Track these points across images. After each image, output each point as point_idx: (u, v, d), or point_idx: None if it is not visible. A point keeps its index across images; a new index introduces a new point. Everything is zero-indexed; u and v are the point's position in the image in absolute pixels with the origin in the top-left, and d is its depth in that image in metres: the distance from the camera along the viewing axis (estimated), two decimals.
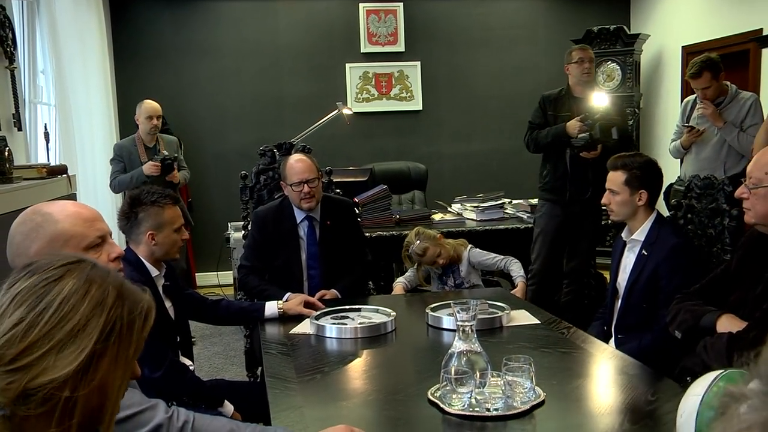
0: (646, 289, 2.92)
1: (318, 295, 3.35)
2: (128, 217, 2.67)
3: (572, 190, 4.54)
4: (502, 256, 3.79)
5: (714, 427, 0.63)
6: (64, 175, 4.09)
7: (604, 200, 3.10)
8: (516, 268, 3.74)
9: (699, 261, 3.01)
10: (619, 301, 3.07)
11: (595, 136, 4.39)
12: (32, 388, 1.05)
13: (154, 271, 2.67)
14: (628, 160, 3.02)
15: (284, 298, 3.24)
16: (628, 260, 3.06)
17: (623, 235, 3.12)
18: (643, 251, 2.97)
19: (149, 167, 5.14)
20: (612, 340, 3.04)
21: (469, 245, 3.86)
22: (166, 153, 5.21)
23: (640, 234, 3.01)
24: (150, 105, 5.36)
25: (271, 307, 3.05)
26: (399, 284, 3.75)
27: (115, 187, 5.35)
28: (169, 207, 2.70)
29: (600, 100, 4.57)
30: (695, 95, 4.90)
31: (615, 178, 3.01)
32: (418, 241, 3.69)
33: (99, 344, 1.09)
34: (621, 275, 3.10)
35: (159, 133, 5.45)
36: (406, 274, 3.83)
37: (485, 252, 3.82)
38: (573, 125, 4.50)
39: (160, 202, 2.68)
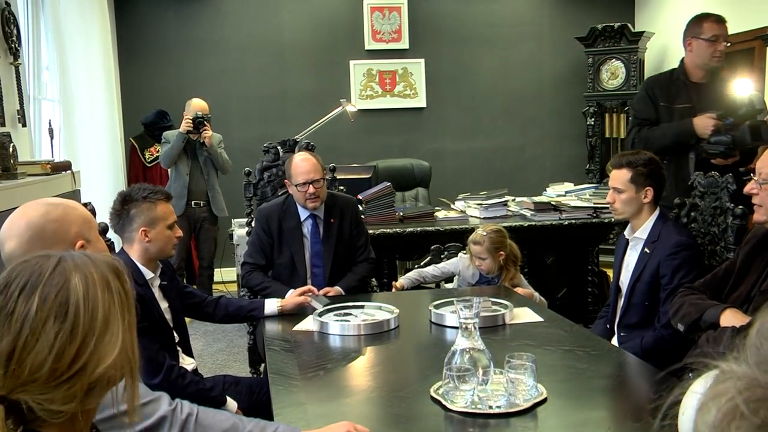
0: (648, 287, 2.93)
1: (322, 292, 3.36)
2: (120, 215, 2.63)
3: None
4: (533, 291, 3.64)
5: (704, 403, 0.67)
6: (68, 171, 4.10)
7: (608, 199, 3.10)
8: (538, 295, 3.50)
9: (701, 259, 3.01)
10: (622, 299, 3.07)
11: (743, 140, 3.34)
12: (94, 380, 1.10)
13: (148, 274, 2.63)
14: (632, 157, 3.02)
15: (286, 296, 3.25)
16: (631, 258, 3.06)
17: (626, 233, 3.12)
18: (646, 249, 2.97)
19: (183, 124, 5.58)
20: (615, 338, 3.04)
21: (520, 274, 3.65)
22: (200, 113, 5.60)
23: (643, 232, 3.01)
24: (198, 104, 5.73)
25: (271, 306, 3.05)
26: (399, 282, 3.71)
27: (163, 160, 5.80)
28: (161, 203, 2.66)
29: (744, 89, 3.44)
30: None
31: (620, 176, 3.01)
32: (484, 234, 3.44)
33: (123, 320, 1.16)
34: (624, 273, 3.10)
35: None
36: (409, 273, 3.79)
37: (525, 282, 3.63)
38: (704, 123, 3.49)
39: (151, 198, 2.64)
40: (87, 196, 4.51)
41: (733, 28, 6.02)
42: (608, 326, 3.14)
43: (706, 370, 0.72)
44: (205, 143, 5.61)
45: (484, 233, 3.46)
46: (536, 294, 3.51)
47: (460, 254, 3.71)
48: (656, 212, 3.01)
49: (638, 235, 3.02)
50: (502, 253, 3.46)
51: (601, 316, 3.30)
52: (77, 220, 1.79)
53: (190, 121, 5.55)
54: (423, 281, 3.70)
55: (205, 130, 5.58)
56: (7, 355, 1.06)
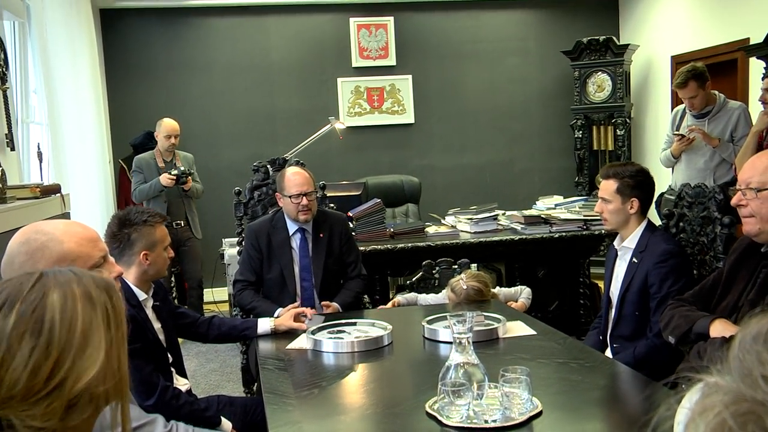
0: (638, 297, 2.95)
1: (324, 304, 3.39)
2: (119, 240, 2.62)
3: None
4: (515, 288, 3.65)
5: (692, 415, 0.68)
6: (58, 195, 4.09)
7: (596, 209, 3.14)
8: (525, 294, 3.59)
9: (689, 267, 3.03)
10: (613, 310, 3.08)
11: None
12: (75, 396, 1.09)
13: (141, 295, 2.64)
14: (619, 168, 3.06)
15: (275, 314, 3.25)
16: (620, 269, 3.09)
17: (615, 243, 3.15)
18: (634, 259, 3.00)
19: (165, 179, 5.59)
20: (608, 350, 3.05)
21: (500, 288, 3.67)
22: (182, 168, 5.69)
23: (631, 242, 3.03)
24: (169, 124, 5.80)
25: (264, 324, 3.04)
26: (396, 299, 3.70)
27: (136, 197, 5.76)
28: (158, 226, 2.70)
29: None
30: (685, 105, 4.95)
31: (607, 187, 3.05)
32: (464, 288, 3.34)
33: (108, 334, 1.15)
34: (614, 284, 3.12)
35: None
36: (408, 295, 3.78)
37: (511, 290, 3.66)
38: None
39: (150, 221, 2.66)
40: (77, 218, 4.51)
41: (715, 40, 6.12)
42: (600, 338, 3.16)
43: (692, 383, 0.74)
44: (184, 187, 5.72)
45: (465, 287, 3.35)
46: (523, 291, 3.57)
47: (443, 293, 3.68)
48: (644, 222, 3.04)
49: (626, 244, 3.05)
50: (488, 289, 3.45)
51: (593, 328, 3.31)
52: (52, 257, 1.71)
53: (174, 179, 5.61)
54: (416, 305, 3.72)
55: (186, 183, 5.68)
56: None
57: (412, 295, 3.72)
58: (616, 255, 3.14)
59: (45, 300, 1.12)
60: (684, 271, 2.93)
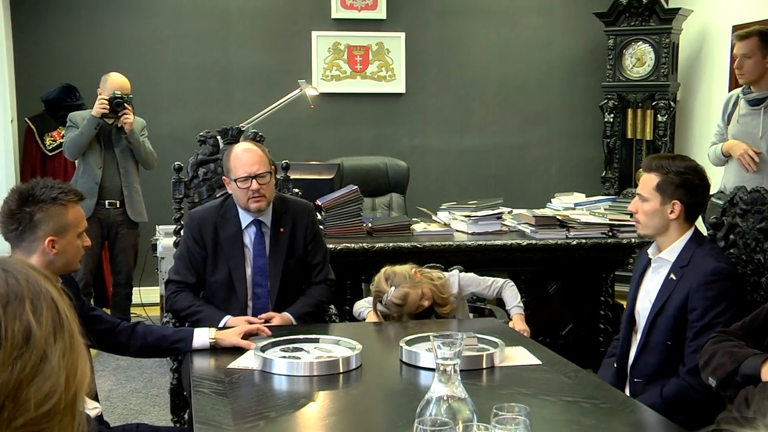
0: (673, 323, 2.93)
1: (264, 316, 3.35)
2: (19, 220, 2.59)
3: None
4: (492, 279, 3.70)
5: None
6: None
7: (630, 207, 3.13)
8: (510, 294, 3.64)
9: (743, 293, 3.02)
10: (639, 334, 3.07)
11: None
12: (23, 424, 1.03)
13: None
14: (665, 162, 3.04)
15: (221, 323, 3.23)
16: (652, 283, 3.08)
17: (649, 251, 3.14)
18: (672, 275, 2.98)
19: (96, 105, 5.57)
20: (627, 385, 3.06)
21: (457, 272, 3.73)
22: (118, 92, 5.58)
23: (670, 253, 3.02)
24: (117, 81, 5.74)
25: (201, 337, 3.02)
26: (372, 311, 3.70)
27: (68, 149, 5.76)
28: (72, 206, 2.66)
29: None
30: (740, 89, 4.93)
31: (647, 182, 3.03)
32: (392, 288, 3.42)
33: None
34: (640, 302, 3.11)
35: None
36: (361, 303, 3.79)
37: (477, 278, 3.71)
38: None
39: (62, 200, 2.62)
40: None
41: None
42: (615, 365, 3.16)
43: None
44: (124, 129, 5.58)
45: (391, 287, 3.43)
46: (506, 286, 3.67)
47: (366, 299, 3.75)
48: (689, 232, 3.03)
49: (664, 255, 3.04)
50: (415, 271, 3.50)
51: (610, 355, 3.31)
52: None
53: (106, 102, 5.53)
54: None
55: (125, 113, 5.57)
56: None
57: (356, 306, 3.76)
58: (647, 265, 3.14)
59: (50, 293, 1.10)
60: (737, 298, 2.92)
